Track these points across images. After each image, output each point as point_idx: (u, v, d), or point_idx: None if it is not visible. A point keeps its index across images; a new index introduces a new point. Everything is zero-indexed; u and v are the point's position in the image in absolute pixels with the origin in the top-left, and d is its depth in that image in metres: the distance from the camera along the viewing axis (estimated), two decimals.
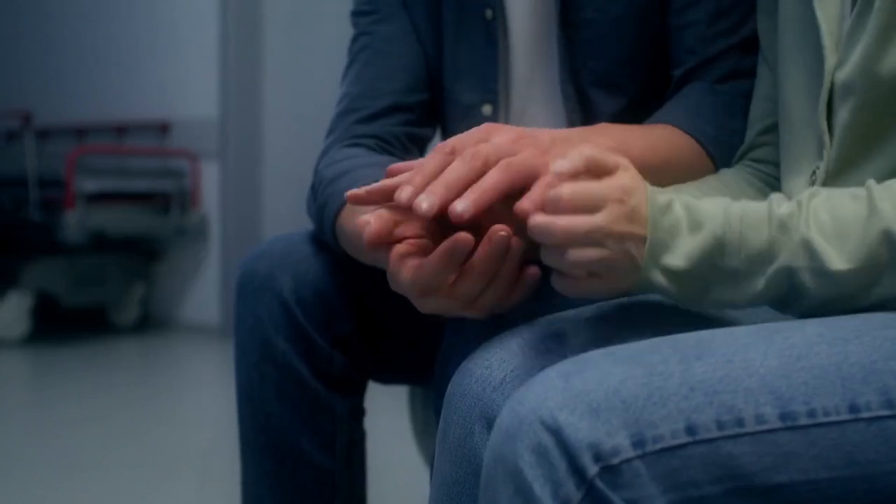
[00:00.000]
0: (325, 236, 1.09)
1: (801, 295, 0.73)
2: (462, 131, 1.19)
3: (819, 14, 0.85)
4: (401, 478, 2.23)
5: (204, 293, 4.51)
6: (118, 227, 4.08)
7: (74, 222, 3.83)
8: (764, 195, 0.95)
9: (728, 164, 1.04)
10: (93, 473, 2.32)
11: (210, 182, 4.46)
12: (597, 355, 0.66)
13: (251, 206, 4.48)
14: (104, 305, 4.40)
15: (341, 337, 1.14)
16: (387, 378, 1.26)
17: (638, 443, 0.61)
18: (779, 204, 0.74)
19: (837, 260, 0.71)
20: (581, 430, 0.61)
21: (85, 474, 2.31)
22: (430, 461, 1.49)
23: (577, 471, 0.61)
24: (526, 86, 1.18)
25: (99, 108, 4.76)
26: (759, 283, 0.73)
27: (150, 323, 4.58)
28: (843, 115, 0.82)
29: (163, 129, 4.53)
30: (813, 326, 0.68)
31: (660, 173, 0.95)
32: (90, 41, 4.84)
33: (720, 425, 0.62)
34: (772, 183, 0.99)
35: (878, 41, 0.79)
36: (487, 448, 0.66)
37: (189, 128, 4.49)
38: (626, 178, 0.74)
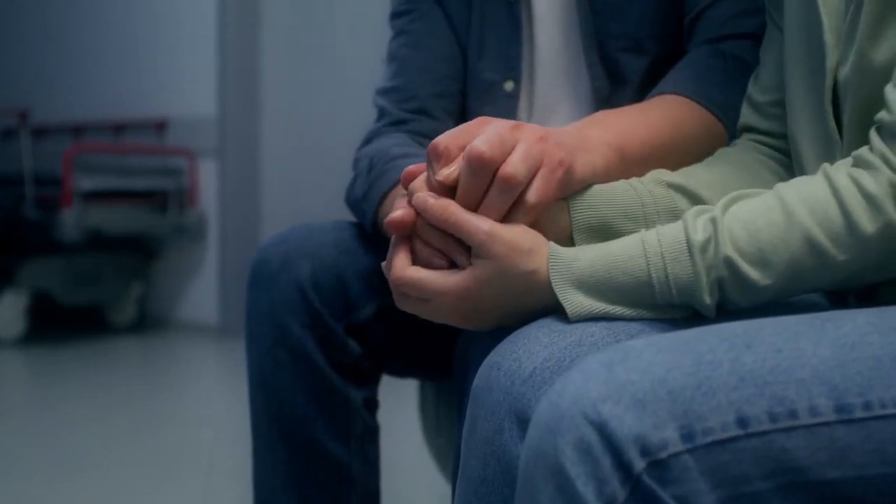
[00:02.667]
0: (368, 207, 1.08)
1: (726, 303, 0.74)
2: (482, 107, 1.19)
3: (822, 9, 0.82)
4: (411, 474, 2.21)
5: (202, 292, 4.49)
6: (115, 225, 4.05)
7: (71, 221, 3.81)
8: (778, 176, 0.93)
9: (736, 132, 1.01)
10: (91, 474, 2.29)
11: (208, 180, 4.43)
12: (639, 344, 0.63)
13: (249, 205, 4.46)
14: (101, 304, 4.37)
15: (357, 325, 1.13)
16: (401, 371, 1.24)
17: (687, 436, 0.58)
18: (694, 228, 0.73)
19: (761, 277, 0.72)
20: (626, 423, 0.58)
21: (83, 474, 2.28)
22: (440, 458, 1.47)
23: (622, 466, 0.57)
24: (551, 61, 1.18)
25: (96, 105, 4.73)
26: (696, 304, 0.74)
27: (148, 322, 4.56)
28: (847, 113, 0.80)
29: (160, 127, 4.50)
30: (863, 316, 0.65)
31: (669, 153, 0.94)
32: (87, 38, 4.81)
33: (772, 417, 0.59)
34: (782, 160, 0.95)
35: (868, 37, 0.76)
36: (525, 444, 0.63)
37: (187, 126, 4.46)
38: (472, 275, 0.77)
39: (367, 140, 1.18)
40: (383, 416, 1.22)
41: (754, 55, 1.02)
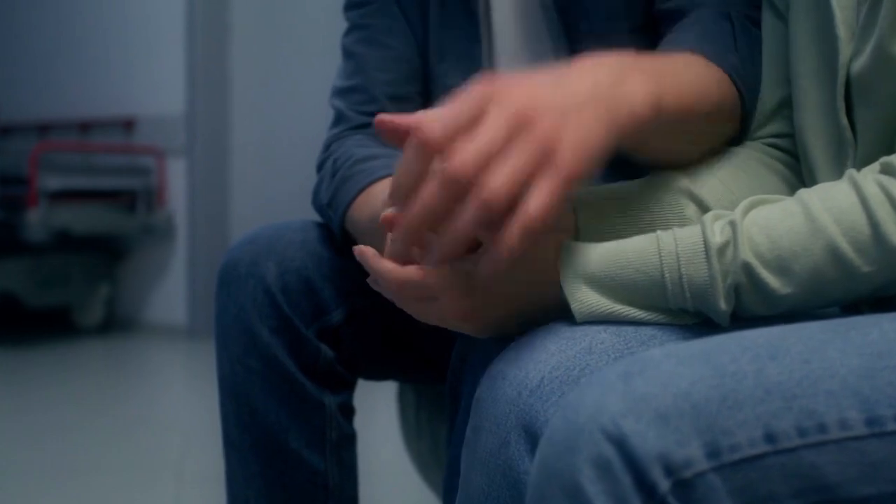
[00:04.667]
0: (335, 213, 1.05)
1: (741, 311, 0.71)
2: None
3: (833, 1, 0.79)
4: (391, 479, 2.18)
5: (170, 293, 4.44)
6: (82, 225, 3.99)
7: (37, 221, 3.75)
8: (785, 181, 0.90)
9: (749, 103, 0.92)
10: (57, 480, 2.25)
11: (176, 179, 4.38)
12: (657, 354, 0.59)
13: (218, 204, 4.42)
14: (68, 306, 4.31)
15: (329, 329, 1.09)
16: (377, 375, 1.21)
17: (713, 453, 0.55)
18: (712, 230, 0.70)
19: (780, 285, 0.69)
20: (649, 440, 0.55)
21: (49, 481, 2.24)
22: (421, 463, 1.44)
23: (645, 486, 0.54)
24: (515, 59, 1.13)
25: (62, 103, 4.66)
26: (710, 310, 0.71)
27: (116, 324, 4.50)
28: (861, 111, 0.77)
29: (128, 125, 4.44)
30: (889, 322, 0.62)
31: (695, 115, 0.83)
32: (53, 35, 4.74)
33: (801, 432, 0.56)
34: (788, 161, 0.92)
35: (890, 31, 0.73)
36: (537, 461, 0.59)
37: (155, 124, 4.41)
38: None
39: (327, 146, 1.14)
40: (362, 421, 1.19)
41: (758, 14, 0.95)
